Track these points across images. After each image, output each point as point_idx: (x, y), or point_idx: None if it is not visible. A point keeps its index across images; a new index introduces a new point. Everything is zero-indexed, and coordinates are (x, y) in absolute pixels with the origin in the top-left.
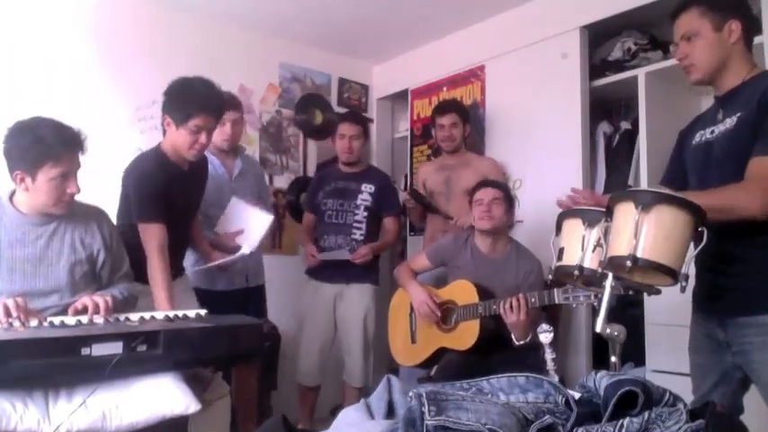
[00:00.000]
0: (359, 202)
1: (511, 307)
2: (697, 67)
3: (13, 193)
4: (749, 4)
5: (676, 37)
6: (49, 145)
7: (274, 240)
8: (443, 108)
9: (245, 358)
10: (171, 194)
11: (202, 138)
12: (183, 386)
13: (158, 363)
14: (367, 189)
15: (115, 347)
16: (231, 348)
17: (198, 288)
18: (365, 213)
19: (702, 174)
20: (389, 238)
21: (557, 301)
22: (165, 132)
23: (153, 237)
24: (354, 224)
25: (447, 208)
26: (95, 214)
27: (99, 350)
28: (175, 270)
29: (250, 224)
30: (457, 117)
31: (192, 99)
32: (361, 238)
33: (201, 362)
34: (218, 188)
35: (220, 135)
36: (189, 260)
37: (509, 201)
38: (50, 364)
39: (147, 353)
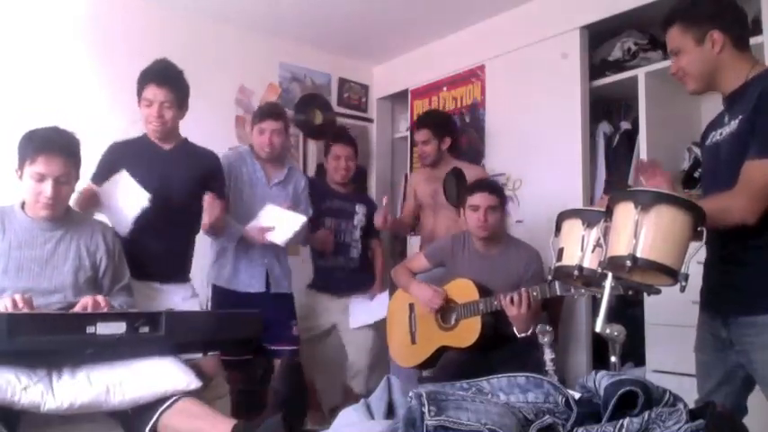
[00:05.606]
0: (356, 222)
1: (512, 300)
2: (690, 77)
3: (24, 202)
4: (729, 10)
5: (669, 51)
6: (29, 145)
7: None
8: (417, 123)
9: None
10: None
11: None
12: (183, 366)
13: (160, 344)
14: (361, 210)
15: (118, 327)
16: (230, 333)
17: (216, 285)
18: (360, 233)
19: (713, 176)
20: (381, 265)
21: (558, 293)
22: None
23: None
24: (353, 243)
25: (434, 221)
26: (100, 225)
27: (103, 329)
28: (175, 275)
29: (282, 224)
30: (429, 134)
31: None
32: (357, 255)
33: (202, 345)
34: (253, 191)
35: (260, 144)
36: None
37: (504, 203)
38: (56, 341)
39: (149, 334)
